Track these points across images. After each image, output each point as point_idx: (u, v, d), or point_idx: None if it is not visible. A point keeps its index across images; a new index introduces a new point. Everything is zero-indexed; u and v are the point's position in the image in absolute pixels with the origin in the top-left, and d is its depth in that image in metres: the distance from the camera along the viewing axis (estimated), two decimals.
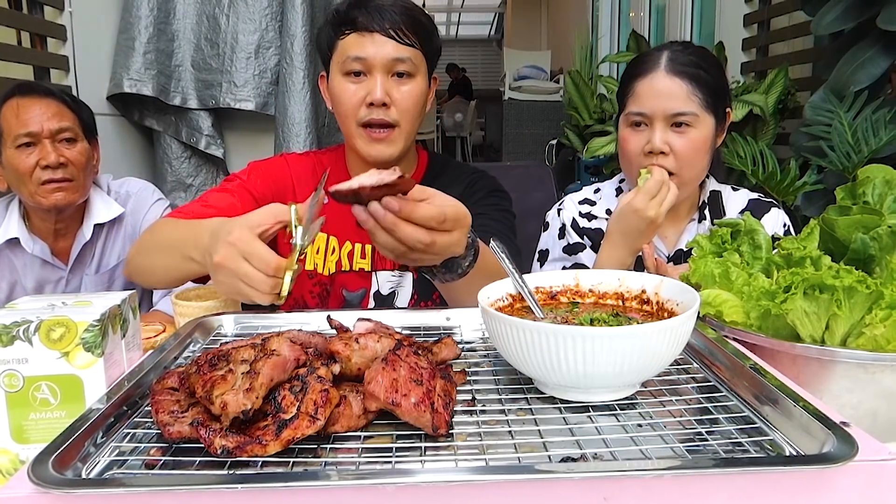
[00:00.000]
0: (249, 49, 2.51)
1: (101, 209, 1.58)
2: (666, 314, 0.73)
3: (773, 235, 0.92)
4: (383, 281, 1.32)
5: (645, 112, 1.21)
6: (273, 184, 1.28)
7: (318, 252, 1.31)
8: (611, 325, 0.69)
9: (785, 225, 1.30)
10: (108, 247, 1.63)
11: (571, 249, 1.37)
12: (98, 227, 1.59)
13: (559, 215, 1.42)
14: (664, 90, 1.19)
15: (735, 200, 1.32)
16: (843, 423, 0.54)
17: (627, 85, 1.26)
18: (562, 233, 1.40)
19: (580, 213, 1.40)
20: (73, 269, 1.58)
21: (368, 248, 1.30)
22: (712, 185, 1.33)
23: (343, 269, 1.31)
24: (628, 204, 1.14)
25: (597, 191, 1.45)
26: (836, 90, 1.78)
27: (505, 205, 1.34)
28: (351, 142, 1.23)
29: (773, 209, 1.30)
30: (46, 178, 1.43)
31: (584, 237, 1.37)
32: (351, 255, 1.31)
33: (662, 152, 1.19)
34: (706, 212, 1.31)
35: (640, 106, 1.22)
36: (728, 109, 1.26)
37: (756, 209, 1.29)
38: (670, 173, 1.19)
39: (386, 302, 1.32)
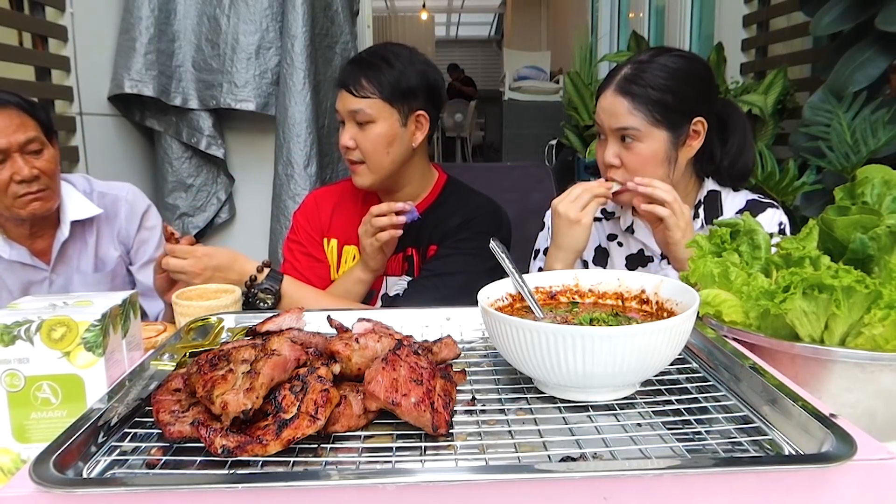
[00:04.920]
0: (250, 49, 2.51)
1: (76, 206, 1.57)
2: (665, 314, 0.73)
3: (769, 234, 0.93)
4: (391, 284, 1.46)
5: (600, 124, 1.28)
6: (312, 225, 1.53)
7: (345, 262, 1.49)
8: (610, 325, 0.69)
9: (780, 224, 1.30)
10: (104, 244, 1.62)
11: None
12: (78, 224, 1.57)
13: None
14: (608, 107, 1.25)
15: (733, 201, 1.33)
16: (832, 415, 0.55)
17: (596, 99, 1.32)
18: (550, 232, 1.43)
19: None
20: (55, 269, 1.56)
21: None
22: (711, 185, 1.34)
23: None
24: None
25: None
26: (835, 91, 1.78)
27: (484, 245, 1.42)
28: None
29: (768, 209, 1.31)
30: (23, 191, 1.42)
31: None
32: None
33: (613, 165, 1.25)
34: (701, 210, 1.32)
35: (597, 119, 1.29)
36: (699, 119, 1.25)
37: (752, 209, 1.30)
38: (621, 182, 1.25)
39: (391, 302, 1.45)
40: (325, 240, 1.51)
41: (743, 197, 1.34)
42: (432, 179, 1.50)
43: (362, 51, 1.46)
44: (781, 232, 1.28)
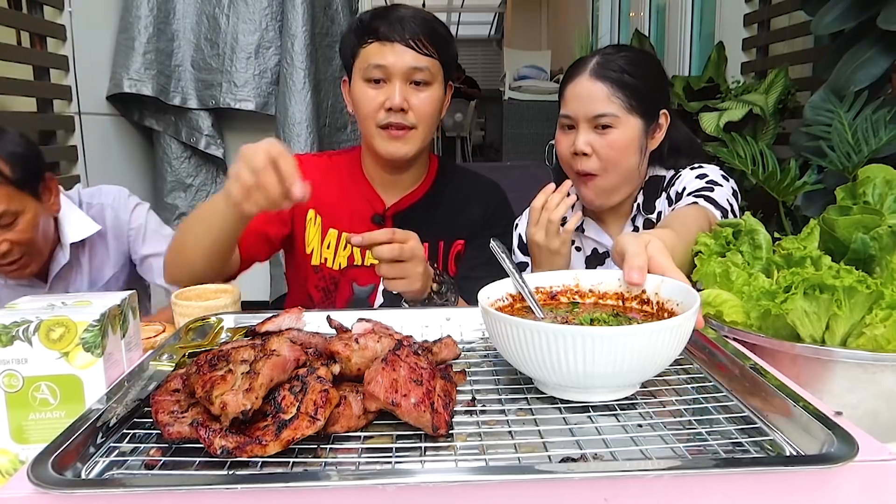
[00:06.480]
0: (249, 49, 2.52)
1: (76, 227, 1.49)
2: (666, 314, 0.72)
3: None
4: None
5: (570, 115, 1.25)
6: None
7: (328, 247, 1.36)
8: (611, 326, 0.69)
9: (704, 176, 1.25)
10: (97, 262, 1.57)
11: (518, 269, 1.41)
12: (75, 245, 1.49)
13: (515, 231, 1.45)
14: (585, 93, 1.22)
15: (686, 178, 1.29)
16: (837, 412, 0.54)
17: (561, 90, 1.31)
18: (514, 250, 1.44)
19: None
20: (52, 288, 1.51)
21: None
22: (656, 171, 1.33)
23: (355, 263, 1.36)
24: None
25: None
26: (836, 90, 1.77)
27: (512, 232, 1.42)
28: (369, 142, 1.30)
29: (696, 168, 1.28)
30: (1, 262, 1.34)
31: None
32: (363, 251, 1.34)
33: (585, 153, 1.23)
34: (639, 196, 1.32)
35: (566, 109, 1.26)
36: (664, 111, 1.27)
37: (684, 172, 1.29)
38: (593, 175, 1.23)
39: (395, 301, 1.33)
40: (312, 211, 1.35)
41: (695, 171, 1.30)
42: (427, 161, 1.43)
43: (398, 4, 1.31)
44: (710, 183, 1.23)
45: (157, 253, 1.60)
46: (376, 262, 1.33)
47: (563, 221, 1.21)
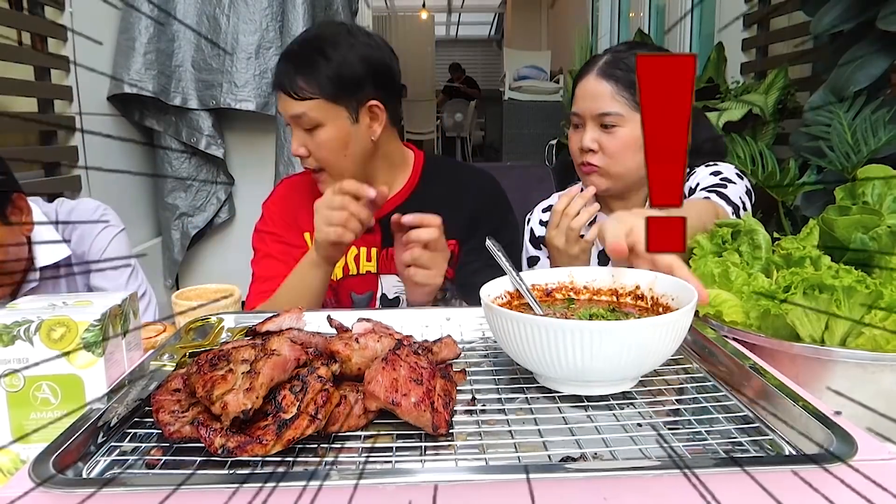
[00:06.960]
0: (250, 49, 2.52)
1: (46, 250, 1.38)
2: (661, 309, 0.73)
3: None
4: (389, 286, 1.34)
5: (578, 112, 1.27)
6: (285, 212, 1.35)
7: None
8: (609, 321, 0.69)
9: (719, 174, 1.25)
10: (72, 287, 1.46)
11: (529, 262, 1.43)
12: (48, 267, 1.38)
13: (527, 225, 1.46)
14: (591, 92, 1.24)
15: (700, 174, 1.29)
16: (836, 412, 0.55)
17: (573, 89, 1.32)
18: (525, 244, 1.45)
19: (540, 221, 1.43)
20: None
21: (374, 251, 1.32)
22: None
23: (350, 273, 1.34)
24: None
25: None
26: (836, 90, 1.77)
27: (513, 226, 1.42)
28: None
29: (710, 165, 1.28)
30: None
31: (542, 247, 1.41)
32: (357, 259, 1.33)
33: (592, 150, 1.25)
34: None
35: (575, 107, 1.28)
36: None
37: (698, 170, 1.29)
38: (597, 166, 1.25)
39: (392, 307, 1.34)
40: (304, 234, 1.36)
41: (710, 169, 1.30)
42: (409, 161, 1.35)
43: (294, 41, 1.25)
44: (724, 180, 1.23)
45: (100, 287, 1.48)
46: (372, 268, 1.32)
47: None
